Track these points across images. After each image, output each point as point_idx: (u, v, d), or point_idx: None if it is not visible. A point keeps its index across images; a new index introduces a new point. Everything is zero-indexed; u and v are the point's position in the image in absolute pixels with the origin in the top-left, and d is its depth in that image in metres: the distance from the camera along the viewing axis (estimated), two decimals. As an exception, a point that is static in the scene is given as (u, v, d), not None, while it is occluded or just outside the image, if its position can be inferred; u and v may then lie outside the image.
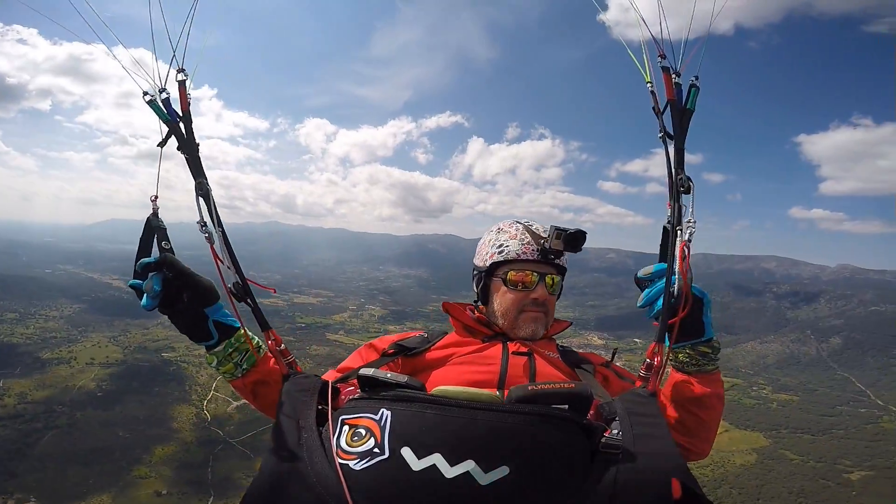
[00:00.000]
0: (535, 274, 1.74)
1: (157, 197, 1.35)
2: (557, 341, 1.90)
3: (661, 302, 1.32)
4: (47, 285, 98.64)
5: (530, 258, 1.75)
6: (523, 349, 1.66)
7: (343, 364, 1.76)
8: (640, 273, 1.42)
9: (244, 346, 1.43)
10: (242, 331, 1.42)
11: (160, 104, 1.33)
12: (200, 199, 1.33)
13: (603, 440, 1.02)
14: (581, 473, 0.94)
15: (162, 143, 1.38)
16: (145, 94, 1.33)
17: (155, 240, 1.34)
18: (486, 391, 1.11)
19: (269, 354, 1.47)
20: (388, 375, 1.12)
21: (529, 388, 1.05)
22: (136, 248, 1.33)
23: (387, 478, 0.91)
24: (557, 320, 1.89)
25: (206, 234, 1.32)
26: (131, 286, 1.27)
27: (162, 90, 1.35)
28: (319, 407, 1.16)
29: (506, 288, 1.77)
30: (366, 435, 0.99)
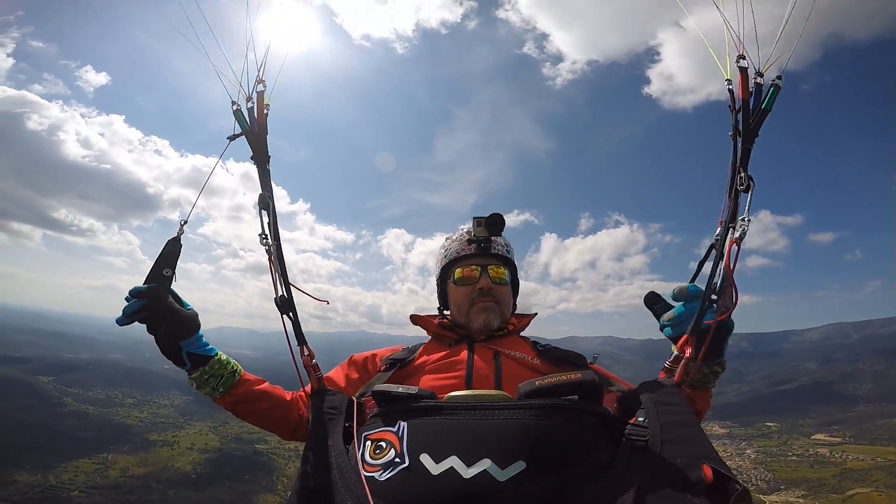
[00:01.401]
0: (478, 267, 1.88)
1: (185, 222, 1.45)
2: (537, 340, 1.93)
3: (683, 327, 1.29)
4: (164, 378, 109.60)
5: (469, 253, 1.91)
6: (489, 351, 1.72)
7: (328, 375, 1.82)
8: (675, 292, 1.33)
9: (219, 373, 1.53)
10: (216, 357, 1.53)
11: (244, 113, 1.44)
12: (262, 212, 1.40)
13: (628, 429, 1.03)
14: (601, 460, 0.95)
15: (231, 137, 1.47)
16: (233, 102, 1.43)
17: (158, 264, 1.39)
18: (496, 391, 1.15)
19: (247, 379, 1.62)
20: (400, 389, 1.17)
21: (536, 383, 1.07)
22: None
23: (409, 484, 0.94)
24: (521, 315, 2.01)
25: (266, 247, 1.39)
26: (126, 300, 1.37)
27: (248, 98, 1.46)
28: (346, 425, 1.22)
29: (455, 286, 1.91)
30: (386, 447, 1.03)
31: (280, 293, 1.40)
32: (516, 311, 2.03)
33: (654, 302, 1.38)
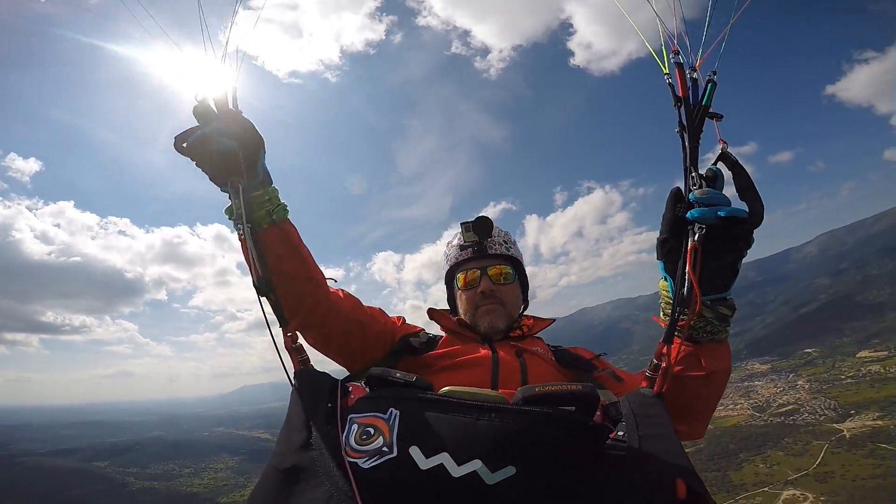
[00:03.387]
0: (477, 270, 1.87)
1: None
2: (547, 341, 1.91)
3: (714, 208, 1.14)
4: (209, 445, 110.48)
5: (467, 257, 1.91)
6: (511, 349, 1.70)
7: (372, 306, 1.83)
8: (696, 195, 1.16)
9: (276, 199, 1.44)
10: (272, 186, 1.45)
11: (212, 106, 1.37)
12: (233, 198, 1.36)
13: (609, 441, 1.01)
14: (587, 474, 0.94)
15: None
16: (197, 95, 1.36)
17: None
18: (493, 392, 1.14)
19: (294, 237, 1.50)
20: (398, 375, 1.15)
21: (537, 389, 1.05)
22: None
23: (395, 476, 0.91)
24: (539, 318, 1.97)
25: (240, 231, 1.36)
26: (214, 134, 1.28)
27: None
28: (329, 405, 1.16)
29: (460, 292, 1.91)
30: (374, 434, 0.99)
31: (260, 275, 1.35)
32: (526, 312, 2.01)
33: (676, 200, 1.21)
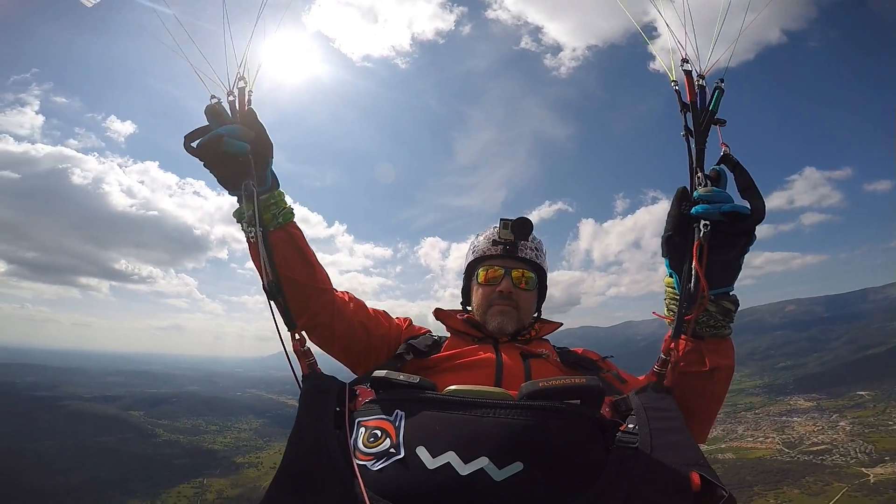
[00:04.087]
0: (501, 269, 1.84)
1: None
2: (553, 343, 1.92)
3: (717, 204, 1.18)
4: (239, 405, 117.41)
5: (495, 253, 1.88)
6: (515, 350, 1.70)
7: (373, 307, 1.87)
8: (701, 192, 1.21)
9: (282, 203, 1.51)
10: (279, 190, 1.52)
11: (226, 106, 1.42)
12: (247, 201, 1.39)
13: (619, 435, 1.02)
14: (596, 467, 0.94)
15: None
16: (213, 96, 1.40)
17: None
18: (497, 389, 1.16)
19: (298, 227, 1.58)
20: (401, 377, 1.17)
21: (540, 384, 1.05)
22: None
23: (403, 477, 0.92)
24: (547, 320, 1.96)
25: (252, 235, 1.39)
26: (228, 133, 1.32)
27: (230, 94, 1.43)
28: (337, 409, 1.18)
29: (478, 285, 1.88)
30: (381, 436, 1.01)
31: (270, 279, 1.37)
32: (541, 317, 1.99)
33: (682, 198, 1.25)
